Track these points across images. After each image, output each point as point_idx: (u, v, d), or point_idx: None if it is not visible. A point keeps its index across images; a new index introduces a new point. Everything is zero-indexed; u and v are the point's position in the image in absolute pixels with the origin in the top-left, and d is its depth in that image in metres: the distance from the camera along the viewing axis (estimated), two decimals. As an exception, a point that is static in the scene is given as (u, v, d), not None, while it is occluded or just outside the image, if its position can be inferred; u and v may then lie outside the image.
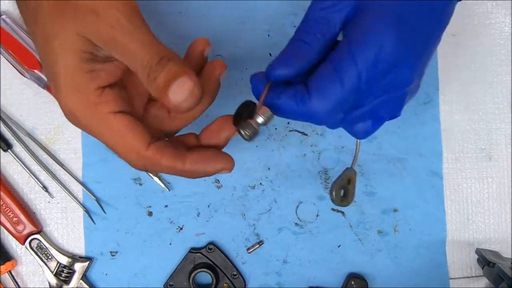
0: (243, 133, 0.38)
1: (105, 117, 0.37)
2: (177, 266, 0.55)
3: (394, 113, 0.41)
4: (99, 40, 0.36)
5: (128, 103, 0.40)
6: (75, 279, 0.54)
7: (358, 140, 0.45)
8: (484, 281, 0.56)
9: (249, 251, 0.55)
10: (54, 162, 0.55)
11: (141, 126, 0.39)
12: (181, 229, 0.56)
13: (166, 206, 0.55)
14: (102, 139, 0.39)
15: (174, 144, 0.41)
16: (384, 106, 0.39)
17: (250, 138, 0.38)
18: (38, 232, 0.54)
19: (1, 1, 0.55)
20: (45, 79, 0.52)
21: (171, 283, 0.55)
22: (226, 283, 0.55)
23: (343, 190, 0.44)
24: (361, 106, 0.39)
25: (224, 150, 0.42)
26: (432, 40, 0.39)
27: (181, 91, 0.35)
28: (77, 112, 0.37)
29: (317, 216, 0.56)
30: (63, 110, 0.38)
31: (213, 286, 0.54)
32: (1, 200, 0.54)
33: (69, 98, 0.37)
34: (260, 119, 0.38)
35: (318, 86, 0.37)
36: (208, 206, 0.55)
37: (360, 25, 0.36)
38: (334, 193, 0.43)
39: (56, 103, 0.53)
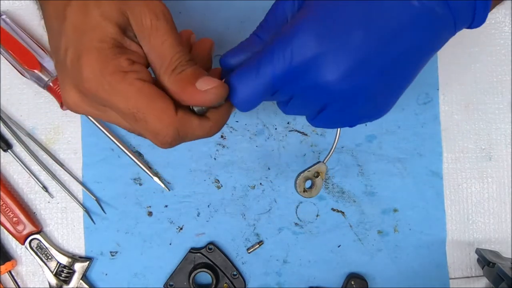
0: (194, 108, 0.39)
1: (135, 83, 0.37)
2: (177, 266, 0.55)
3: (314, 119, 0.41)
4: (138, 25, 0.37)
5: (150, 77, 0.39)
6: (75, 279, 0.54)
7: (337, 134, 0.46)
8: (484, 281, 0.56)
9: (249, 251, 0.55)
10: (54, 162, 0.55)
11: (167, 95, 0.38)
12: (181, 229, 0.56)
13: (166, 206, 0.55)
14: (129, 104, 0.37)
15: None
16: (307, 107, 0.40)
17: (197, 111, 0.39)
18: (38, 232, 0.54)
19: (1, 1, 0.55)
20: (45, 79, 0.52)
21: (171, 283, 0.55)
22: (226, 283, 0.55)
23: (310, 181, 0.45)
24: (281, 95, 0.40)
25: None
26: (366, 48, 0.36)
27: (209, 81, 0.37)
28: (103, 78, 0.36)
29: (317, 216, 0.56)
30: (83, 77, 0.37)
31: (213, 286, 0.54)
32: (1, 200, 0.54)
33: (96, 63, 0.36)
34: None
35: (238, 70, 0.38)
36: (208, 206, 0.55)
37: (287, 26, 0.38)
38: (297, 183, 0.46)
39: (56, 103, 0.53)
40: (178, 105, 0.38)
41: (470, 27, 0.38)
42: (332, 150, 0.47)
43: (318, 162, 0.47)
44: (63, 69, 0.38)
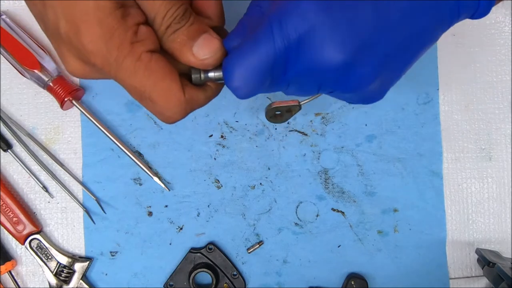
0: (192, 76, 0.37)
1: (142, 58, 0.34)
2: (177, 266, 0.55)
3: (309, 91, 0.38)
4: None
5: (156, 42, 0.36)
6: (75, 279, 0.54)
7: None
8: (484, 281, 0.56)
9: (249, 251, 0.55)
10: (54, 162, 0.55)
11: (173, 67, 0.36)
12: (181, 229, 0.56)
13: (166, 206, 0.55)
14: (136, 82, 0.34)
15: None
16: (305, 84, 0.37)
17: (193, 81, 0.37)
18: (38, 232, 0.54)
19: (1, 1, 0.55)
20: (45, 79, 0.52)
21: (171, 283, 0.55)
22: (226, 283, 0.55)
23: (279, 112, 0.45)
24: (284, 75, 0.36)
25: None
26: (371, 27, 0.33)
27: (207, 47, 0.35)
28: (109, 54, 0.33)
29: (317, 216, 0.56)
30: (86, 50, 0.33)
31: (213, 286, 0.54)
32: (1, 200, 0.54)
33: (99, 38, 0.33)
34: (210, 74, 0.37)
35: (235, 50, 0.35)
36: (208, 206, 0.55)
37: None
38: (268, 109, 0.45)
39: (56, 103, 0.53)
40: (183, 79, 0.36)
41: (473, 16, 0.36)
42: (315, 97, 0.44)
43: (295, 104, 0.45)
44: (57, 39, 0.35)
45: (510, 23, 0.56)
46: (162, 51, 0.36)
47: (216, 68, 0.37)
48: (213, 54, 0.35)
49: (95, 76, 0.36)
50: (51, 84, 0.52)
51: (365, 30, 0.33)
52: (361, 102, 0.39)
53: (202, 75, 0.37)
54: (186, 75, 0.38)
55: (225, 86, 0.38)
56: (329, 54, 0.33)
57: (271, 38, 0.34)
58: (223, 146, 0.55)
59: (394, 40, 0.34)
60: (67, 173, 0.55)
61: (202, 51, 0.35)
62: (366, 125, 0.55)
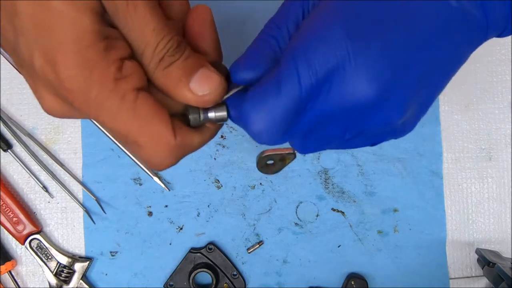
0: (190, 116, 0.34)
1: (127, 96, 0.30)
2: (177, 266, 0.55)
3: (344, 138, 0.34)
4: (110, 4, 0.29)
5: (143, 78, 0.32)
6: (75, 279, 0.54)
7: None
8: (484, 281, 0.56)
9: (249, 251, 0.55)
10: (54, 162, 0.55)
11: (162, 107, 0.31)
12: (181, 229, 0.56)
13: (166, 206, 0.55)
14: (119, 126, 0.30)
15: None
16: (330, 125, 0.33)
17: (191, 123, 0.34)
18: (38, 232, 0.54)
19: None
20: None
21: (171, 283, 0.55)
22: (226, 283, 0.55)
23: (272, 161, 0.41)
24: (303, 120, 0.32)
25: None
26: (405, 52, 0.30)
27: (207, 82, 0.31)
28: (88, 92, 0.29)
29: (317, 216, 0.56)
30: (63, 87, 0.29)
31: (213, 286, 0.54)
32: (1, 200, 0.54)
33: (78, 73, 0.28)
34: (211, 114, 0.34)
35: (254, 92, 0.31)
36: (208, 206, 0.55)
37: (307, 21, 0.31)
38: (259, 157, 0.40)
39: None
40: (176, 120, 0.32)
41: (501, 35, 0.34)
42: None
43: (291, 152, 0.41)
44: (32, 73, 0.30)
45: (510, 23, 0.56)
46: (149, 89, 0.32)
47: (217, 107, 0.33)
48: (214, 90, 0.32)
49: (75, 115, 0.32)
50: (51, 84, 0.52)
51: (399, 54, 0.30)
52: (391, 137, 0.35)
53: (202, 115, 0.33)
54: (178, 116, 0.33)
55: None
56: (363, 86, 0.29)
57: (295, 77, 0.30)
58: (223, 146, 0.55)
59: (427, 62, 0.31)
60: (67, 173, 0.55)
61: (201, 86, 0.31)
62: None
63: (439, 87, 0.34)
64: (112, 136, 0.32)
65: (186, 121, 0.34)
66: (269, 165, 0.42)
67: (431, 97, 0.34)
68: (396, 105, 0.31)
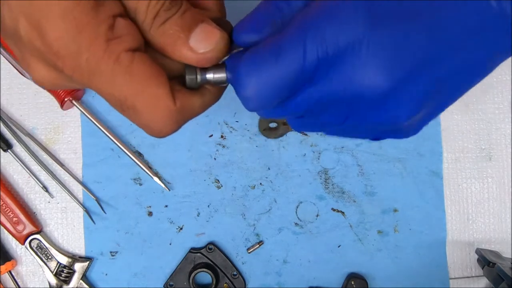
0: (186, 77, 0.31)
1: (121, 58, 0.27)
2: (177, 266, 0.55)
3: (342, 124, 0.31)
4: None
5: (139, 38, 0.29)
6: (75, 279, 0.54)
7: None
8: (484, 281, 0.56)
9: (249, 251, 0.55)
10: (54, 162, 0.55)
11: (160, 69, 0.29)
12: (181, 229, 0.56)
13: (166, 206, 0.55)
14: (115, 90, 0.28)
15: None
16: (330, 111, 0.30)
17: (187, 84, 0.31)
18: (38, 232, 0.54)
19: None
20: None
21: (171, 283, 0.55)
22: (226, 283, 0.55)
23: (275, 124, 0.38)
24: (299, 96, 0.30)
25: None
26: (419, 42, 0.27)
27: (208, 38, 0.28)
28: (78, 55, 0.27)
29: (317, 216, 0.56)
30: (52, 51, 0.27)
31: (213, 286, 0.54)
32: (1, 200, 0.54)
33: (65, 35, 0.26)
34: (209, 75, 0.31)
35: (251, 54, 0.29)
36: (208, 206, 0.55)
37: None
38: (261, 119, 0.37)
39: (56, 103, 0.53)
40: (175, 82, 0.30)
41: None
42: None
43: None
44: (18, 42, 0.28)
45: (510, 23, 0.55)
46: (146, 49, 0.30)
47: (216, 68, 0.31)
48: (216, 46, 0.29)
49: (67, 84, 0.30)
50: (51, 84, 0.52)
51: (422, 48, 0.27)
52: (392, 136, 0.33)
53: (199, 76, 0.31)
54: (177, 78, 0.31)
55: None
56: (376, 77, 0.27)
57: (301, 48, 0.27)
58: (223, 146, 0.55)
59: (451, 64, 0.28)
60: (67, 173, 0.55)
61: (202, 43, 0.29)
62: (366, 125, 0.55)
63: (456, 95, 0.31)
64: (109, 103, 0.30)
65: (182, 84, 0.31)
66: (272, 128, 0.39)
67: (444, 104, 0.31)
68: (406, 105, 0.29)
